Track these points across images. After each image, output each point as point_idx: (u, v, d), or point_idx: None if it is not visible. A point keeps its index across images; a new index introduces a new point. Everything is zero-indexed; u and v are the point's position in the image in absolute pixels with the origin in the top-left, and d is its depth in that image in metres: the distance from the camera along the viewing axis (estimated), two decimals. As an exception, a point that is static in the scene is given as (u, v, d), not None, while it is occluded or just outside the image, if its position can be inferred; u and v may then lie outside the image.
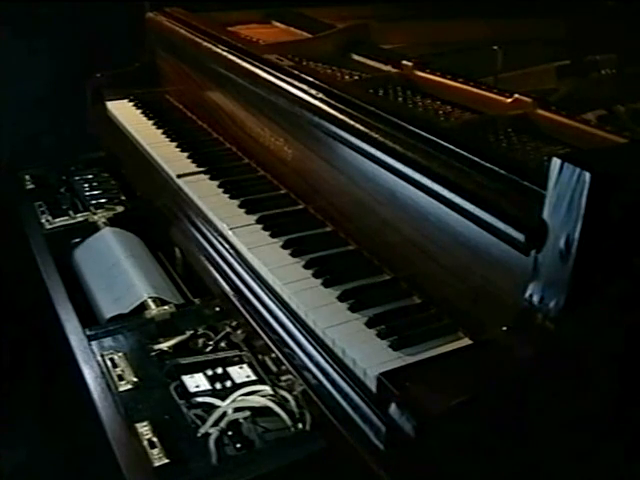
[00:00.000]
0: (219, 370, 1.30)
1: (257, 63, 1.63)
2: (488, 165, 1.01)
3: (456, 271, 1.07)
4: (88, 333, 1.39)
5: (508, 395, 0.88)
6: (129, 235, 1.82)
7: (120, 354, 1.33)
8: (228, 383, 1.27)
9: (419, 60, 1.58)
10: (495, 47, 1.61)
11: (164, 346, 1.36)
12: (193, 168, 1.73)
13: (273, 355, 1.22)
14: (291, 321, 1.18)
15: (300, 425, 1.16)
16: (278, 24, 2.21)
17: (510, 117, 1.28)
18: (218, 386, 1.26)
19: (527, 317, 0.90)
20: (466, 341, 1.06)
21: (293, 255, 1.30)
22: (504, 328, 0.91)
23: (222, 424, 1.16)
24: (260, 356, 1.33)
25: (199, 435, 1.15)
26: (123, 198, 2.00)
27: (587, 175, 0.83)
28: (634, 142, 1.12)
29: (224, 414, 1.18)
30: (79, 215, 1.92)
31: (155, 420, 1.16)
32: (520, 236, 0.92)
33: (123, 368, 1.29)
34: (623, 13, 1.73)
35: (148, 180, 1.85)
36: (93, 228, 1.85)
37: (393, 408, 0.86)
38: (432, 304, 1.15)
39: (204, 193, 1.58)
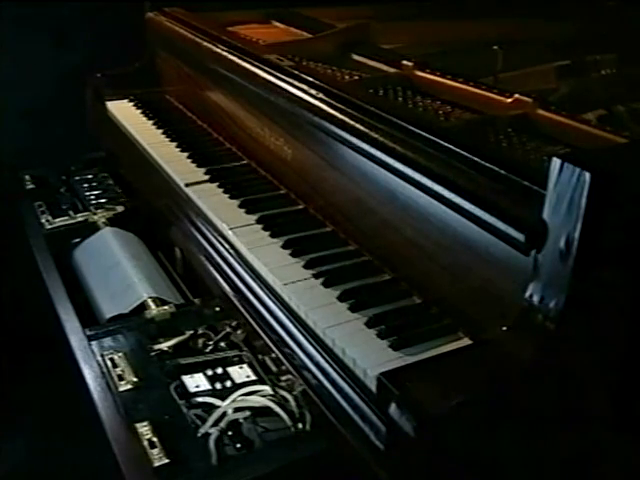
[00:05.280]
0: (219, 370, 1.30)
1: (257, 63, 1.63)
2: (488, 165, 1.01)
3: (456, 271, 1.07)
4: (88, 333, 1.39)
5: (508, 395, 0.88)
6: (129, 235, 1.82)
7: (120, 354, 1.33)
8: (228, 383, 1.27)
9: (419, 60, 1.58)
10: (495, 47, 1.61)
11: (164, 346, 1.36)
12: (193, 168, 1.73)
13: (273, 355, 1.22)
14: (291, 321, 1.18)
15: (300, 425, 1.16)
16: (278, 24, 2.21)
17: (510, 117, 1.28)
18: (218, 386, 1.27)
19: (527, 317, 0.90)
20: (466, 341, 1.06)
21: (293, 255, 1.30)
22: (504, 328, 0.91)
23: (222, 424, 1.16)
24: (260, 356, 1.33)
25: (199, 435, 1.15)
26: (123, 198, 2.00)
27: (587, 175, 0.83)
28: (634, 142, 1.12)
29: (224, 414, 1.18)
30: (79, 215, 1.92)
31: (155, 420, 1.16)
32: (520, 236, 0.92)
33: (123, 368, 1.29)
34: (623, 13, 1.73)
35: (148, 180, 1.85)
36: (93, 228, 1.85)
37: (393, 408, 0.86)
38: (432, 304, 1.15)
39: (204, 193, 1.59)
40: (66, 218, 1.90)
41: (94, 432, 1.18)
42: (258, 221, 1.44)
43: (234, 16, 2.21)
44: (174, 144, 1.88)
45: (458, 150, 1.07)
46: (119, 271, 1.63)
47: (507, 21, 1.90)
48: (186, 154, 1.81)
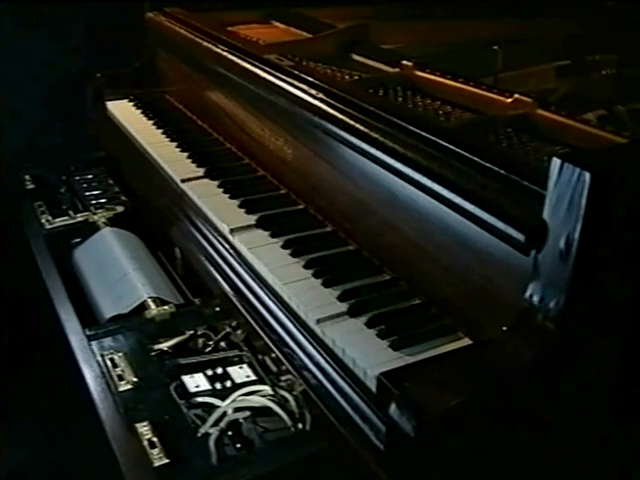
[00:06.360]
0: (219, 370, 1.30)
1: (257, 63, 1.63)
2: (488, 165, 1.01)
3: (456, 271, 1.07)
4: (88, 333, 1.39)
5: (508, 395, 0.88)
6: (129, 235, 1.82)
7: (120, 354, 1.33)
8: (228, 383, 1.27)
9: (419, 60, 1.58)
10: (495, 47, 1.61)
11: (164, 346, 1.36)
12: (193, 168, 1.73)
13: (273, 355, 1.22)
14: (291, 321, 1.18)
15: (300, 425, 1.16)
16: (278, 24, 2.21)
17: (510, 117, 1.28)
18: (218, 386, 1.26)
19: (527, 317, 0.90)
20: (466, 341, 1.06)
21: (293, 255, 1.30)
22: (504, 328, 0.91)
23: (222, 424, 1.16)
24: (260, 356, 1.32)
25: (199, 435, 1.15)
26: (123, 198, 2.00)
27: (587, 175, 0.83)
28: (634, 142, 1.12)
29: (224, 414, 1.18)
30: (79, 215, 1.91)
31: (155, 420, 1.16)
32: (520, 236, 0.92)
33: (123, 368, 1.29)
34: (623, 13, 1.73)
35: (148, 180, 1.85)
36: (93, 228, 1.85)
37: (393, 408, 0.86)
38: (432, 304, 1.15)
39: (204, 193, 1.59)
40: (66, 218, 1.90)
41: (94, 432, 1.18)
42: (258, 221, 1.44)
43: (234, 16, 2.21)
44: (174, 144, 1.89)
45: (458, 150, 1.07)
46: (119, 271, 1.63)
47: (507, 21, 1.91)
48: (186, 154, 1.81)
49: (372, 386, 0.97)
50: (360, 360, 1.02)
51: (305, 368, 1.11)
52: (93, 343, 1.37)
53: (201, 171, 1.70)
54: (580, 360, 0.91)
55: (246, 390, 1.23)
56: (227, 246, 1.42)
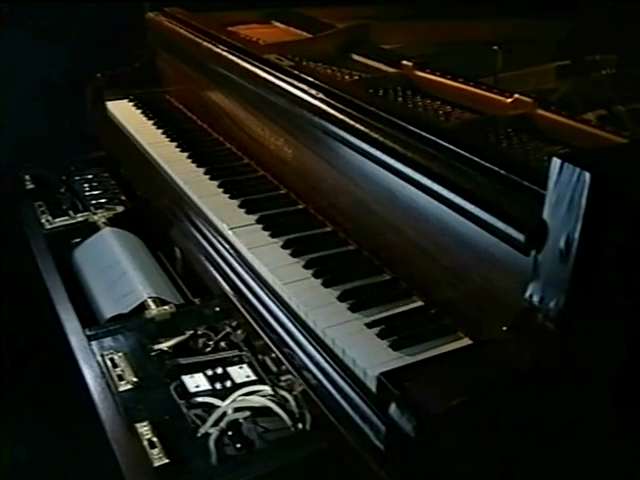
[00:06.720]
0: (219, 370, 1.30)
1: (257, 63, 1.63)
2: (488, 165, 1.01)
3: (456, 271, 1.07)
4: (88, 333, 1.39)
5: (508, 395, 0.88)
6: (129, 235, 1.82)
7: (120, 354, 1.33)
8: (228, 383, 1.27)
9: (419, 60, 1.58)
10: (495, 47, 1.61)
11: (164, 346, 1.36)
12: (193, 168, 1.73)
13: (273, 355, 1.22)
14: (291, 321, 1.18)
15: (300, 425, 1.16)
16: (278, 24, 2.21)
17: (510, 117, 1.28)
18: (218, 386, 1.26)
19: (527, 317, 0.90)
20: (466, 341, 1.06)
21: (293, 255, 1.30)
22: (504, 328, 0.91)
23: (222, 424, 1.16)
24: (260, 356, 1.32)
25: (199, 435, 1.15)
26: (123, 198, 2.00)
27: (587, 175, 0.83)
28: (634, 142, 1.12)
29: (224, 414, 1.18)
30: (79, 215, 1.91)
31: (155, 420, 1.16)
32: (520, 236, 0.92)
33: (123, 368, 1.29)
34: (623, 13, 1.73)
35: (148, 180, 1.85)
36: (93, 228, 1.85)
37: (393, 408, 0.86)
38: (432, 304, 1.15)
39: (204, 193, 1.59)
40: (66, 218, 1.90)
41: (94, 432, 1.18)
42: (258, 221, 1.44)
43: (234, 16, 2.21)
44: (174, 144, 1.89)
45: (458, 150, 1.07)
46: (119, 271, 1.63)
47: (507, 21, 1.91)
48: (186, 154, 1.81)
49: (372, 386, 0.97)
50: (360, 360, 1.02)
51: (305, 368, 1.11)
52: (93, 343, 1.37)
53: (201, 171, 1.70)
54: (580, 360, 0.91)
55: (246, 390, 1.23)
56: (227, 246, 1.42)
